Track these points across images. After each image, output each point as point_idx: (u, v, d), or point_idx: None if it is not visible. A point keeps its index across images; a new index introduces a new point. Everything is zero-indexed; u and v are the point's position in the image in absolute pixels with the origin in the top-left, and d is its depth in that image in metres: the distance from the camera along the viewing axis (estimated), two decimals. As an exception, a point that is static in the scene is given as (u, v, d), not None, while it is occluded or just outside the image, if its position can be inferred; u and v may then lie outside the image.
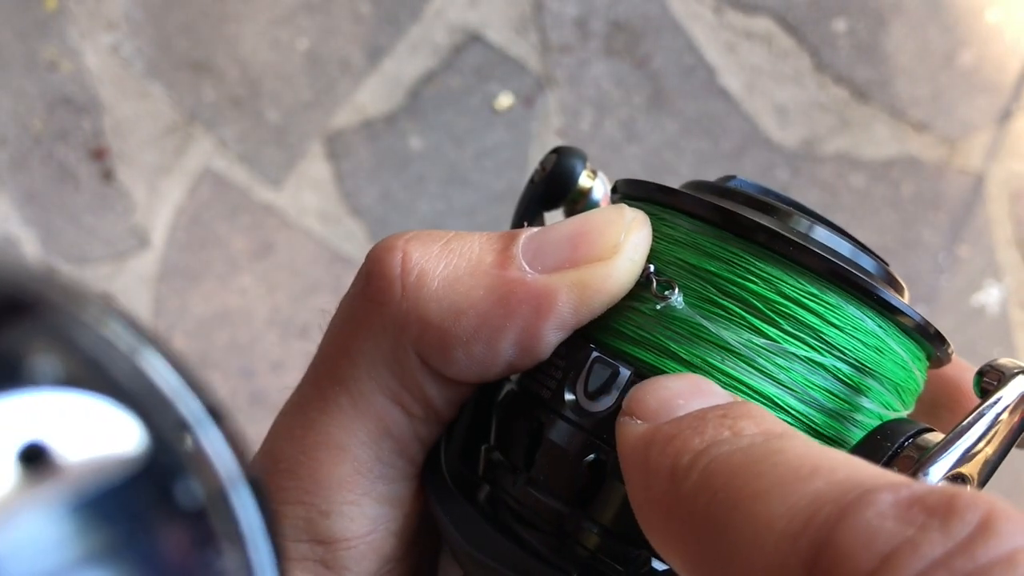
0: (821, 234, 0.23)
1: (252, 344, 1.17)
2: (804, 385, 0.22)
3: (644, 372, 0.22)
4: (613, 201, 0.27)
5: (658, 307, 0.23)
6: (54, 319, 0.14)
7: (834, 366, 0.22)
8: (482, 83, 1.22)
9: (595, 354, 0.23)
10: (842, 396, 0.23)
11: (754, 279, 0.22)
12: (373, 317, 0.23)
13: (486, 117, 1.21)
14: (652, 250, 0.23)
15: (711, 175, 0.27)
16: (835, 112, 1.21)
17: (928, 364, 0.24)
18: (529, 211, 0.29)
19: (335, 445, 0.23)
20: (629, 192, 0.25)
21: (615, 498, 0.22)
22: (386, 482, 0.24)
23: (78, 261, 1.21)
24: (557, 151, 0.28)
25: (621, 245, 0.23)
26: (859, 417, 0.23)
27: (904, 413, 0.24)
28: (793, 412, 0.22)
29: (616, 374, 0.22)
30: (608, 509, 0.23)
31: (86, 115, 1.24)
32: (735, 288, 0.22)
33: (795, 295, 0.22)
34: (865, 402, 0.23)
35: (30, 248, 1.21)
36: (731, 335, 0.22)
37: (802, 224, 0.24)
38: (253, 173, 1.21)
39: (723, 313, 0.22)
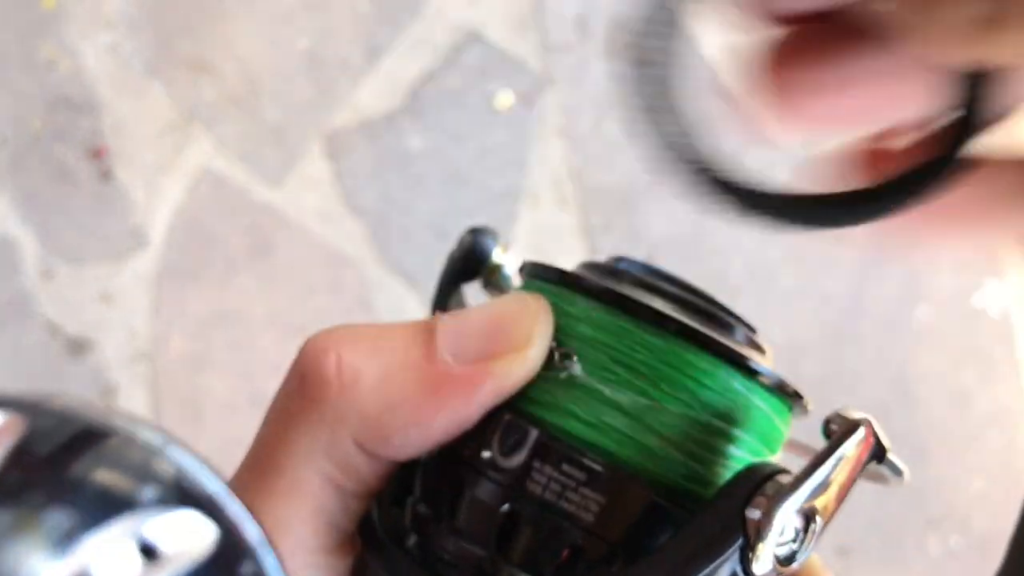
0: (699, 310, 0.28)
1: (252, 344, 1.17)
2: (683, 437, 0.27)
3: (547, 431, 0.26)
4: (522, 279, 0.31)
5: (561, 375, 0.27)
6: (140, 449, 0.20)
7: (707, 421, 0.27)
8: (482, 83, 1.22)
9: (507, 417, 0.27)
10: (716, 445, 0.27)
11: (640, 350, 0.26)
12: (310, 413, 0.26)
13: (486, 117, 1.21)
14: (556, 325, 0.27)
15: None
16: (836, 112, 1.20)
17: (790, 414, 0.29)
18: (449, 285, 0.34)
19: (276, 525, 0.26)
20: (536, 273, 0.30)
21: (529, 542, 0.26)
22: (324, 552, 0.27)
23: (77, 260, 1.21)
24: (472, 231, 0.33)
25: (532, 336, 0.26)
26: (731, 462, 0.27)
27: (771, 458, 0.29)
28: (673, 461, 0.26)
29: (526, 433, 0.26)
30: (523, 552, 0.26)
31: (85, 114, 1.23)
32: (625, 357, 0.27)
33: (674, 362, 0.27)
34: (735, 450, 0.27)
35: (29, 247, 1.21)
36: (622, 397, 0.26)
37: (689, 303, 0.28)
38: (253, 173, 1.21)
39: (615, 378, 0.26)
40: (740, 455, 0.27)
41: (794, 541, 0.25)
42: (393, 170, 1.20)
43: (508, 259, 0.34)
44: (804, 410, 0.29)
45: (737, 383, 0.27)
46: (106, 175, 1.22)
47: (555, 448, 0.26)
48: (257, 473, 0.27)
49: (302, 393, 0.26)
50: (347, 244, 1.19)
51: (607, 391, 0.26)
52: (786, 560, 0.25)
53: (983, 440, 1.15)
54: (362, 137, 1.21)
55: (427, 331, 0.26)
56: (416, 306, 1.16)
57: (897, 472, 0.28)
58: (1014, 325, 1.18)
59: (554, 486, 0.26)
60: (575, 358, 0.27)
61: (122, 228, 1.21)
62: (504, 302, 0.27)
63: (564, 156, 1.20)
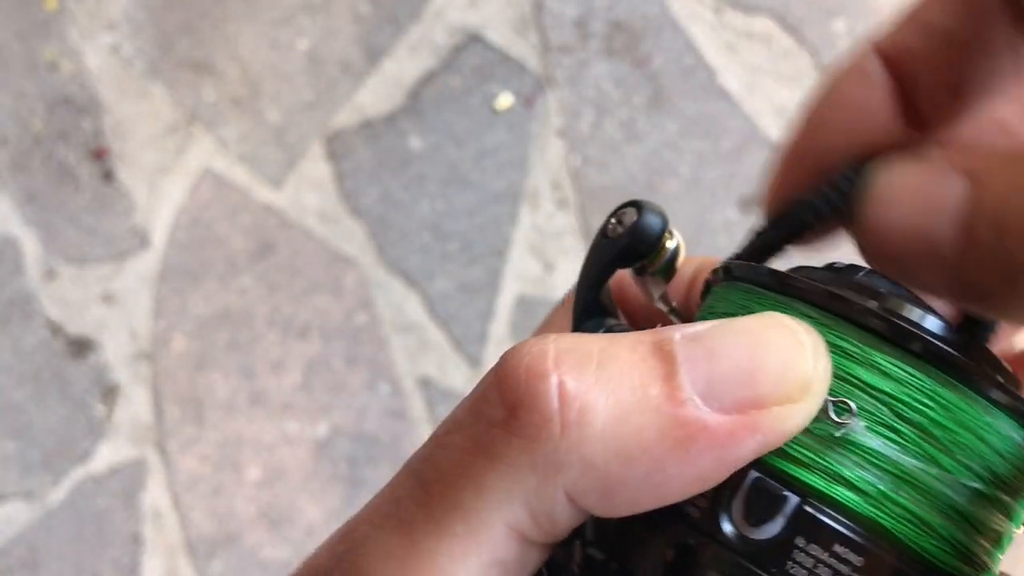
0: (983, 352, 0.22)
1: (252, 344, 1.17)
2: (970, 515, 0.21)
3: (811, 499, 0.21)
4: (719, 284, 0.24)
5: (836, 433, 0.21)
6: None
7: (996, 496, 0.21)
8: (482, 83, 1.22)
9: (755, 475, 0.21)
10: (995, 521, 0.22)
11: (933, 405, 0.21)
12: (519, 454, 0.20)
13: (486, 117, 1.21)
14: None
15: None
16: (835, 112, 1.21)
17: None
18: (606, 269, 0.27)
19: (440, 572, 0.21)
20: (769, 284, 0.23)
21: None
22: None
23: (78, 261, 1.21)
24: (636, 205, 0.26)
25: (810, 384, 0.20)
26: (1005, 537, 0.22)
27: None
28: (954, 543, 0.21)
29: (784, 500, 0.21)
30: None
31: (86, 115, 1.24)
32: (913, 413, 0.21)
33: (972, 424, 0.21)
34: (1010, 526, 0.22)
35: (30, 248, 1.21)
36: (907, 463, 0.21)
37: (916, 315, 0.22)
38: (253, 173, 1.21)
39: (898, 439, 0.21)
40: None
41: None
42: (393, 170, 1.20)
43: (674, 244, 0.27)
44: None
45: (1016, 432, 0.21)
46: (107, 176, 1.22)
47: (822, 523, 0.20)
48: (427, 507, 0.21)
49: (510, 428, 0.21)
50: (347, 244, 1.19)
51: (888, 454, 0.21)
52: None
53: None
54: (362, 138, 1.21)
55: (664, 357, 0.21)
56: (416, 306, 1.16)
57: None
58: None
59: (823, 571, 0.20)
60: (854, 410, 0.21)
61: (123, 228, 1.21)
62: (765, 330, 0.21)
63: (564, 156, 1.20)
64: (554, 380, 0.20)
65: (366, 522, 0.22)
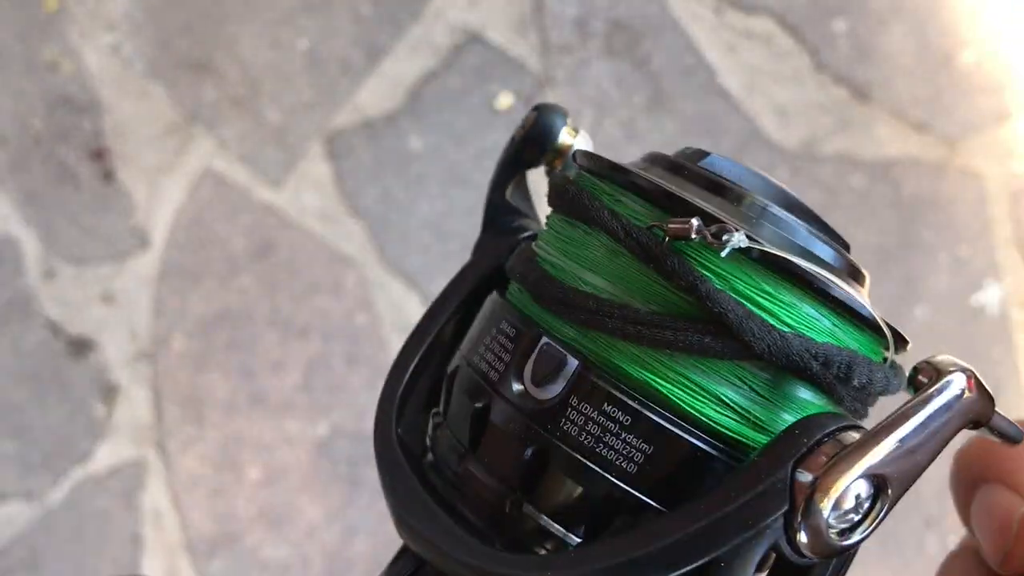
0: (777, 218, 0.23)
1: (252, 344, 1.17)
2: (749, 380, 0.22)
3: (590, 363, 0.22)
4: (574, 168, 0.25)
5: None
6: None
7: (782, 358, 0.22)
8: (482, 83, 1.22)
9: (545, 341, 0.23)
10: (784, 388, 0.22)
11: (709, 275, 0.21)
12: None
13: (486, 117, 1.21)
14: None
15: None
16: (835, 112, 1.21)
17: (886, 355, 0.24)
18: (510, 168, 0.28)
19: None
20: (593, 169, 0.25)
21: (555, 485, 0.22)
22: None
23: (78, 261, 1.21)
24: (537, 108, 0.27)
25: None
26: (800, 410, 0.23)
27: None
28: (735, 406, 0.22)
29: (564, 362, 0.22)
30: (547, 495, 0.23)
31: (86, 115, 1.24)
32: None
33: (748, 292, 0.22)
34: (808, 395, 0.23)
35: (30, 248, 1.21)
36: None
37: (754, 209, 0.23)
38: (253, 173, 1.21)
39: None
40: (814, 403, 0.23)
41: (856, 512, 0.21)
42: (393, 170, 1.20)
43: (579, 141, 0.28)
44: (903, 349, 0.24)
45: (826, 321, 0.22)
46: (108, 176, 1.22)
47: (595, 385, 0.22)
48: None
49: None
50: (347, 244, 1.19)
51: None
52: (842, 534, 0.21)
53: (982, 440, 1.15)
54: (362, 138, 1.21)
55: None
56: (416, 306, 1.16)
57: (1009, 435, 0.23)
58: (1013, 325, 1.18)
59: (592, 428, 0.22)
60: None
61: (123, 228, 1.21)
62: None
63: (564, 156, 1.20)
64: None
65: None
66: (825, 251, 0.23)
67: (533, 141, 0.27)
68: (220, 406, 1.16)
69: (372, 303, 1.18)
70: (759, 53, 1.22)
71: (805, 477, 0.20)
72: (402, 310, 1.16)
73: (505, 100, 1.21)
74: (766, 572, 0.23)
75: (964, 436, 0.23)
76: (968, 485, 0.23)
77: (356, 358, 1.16)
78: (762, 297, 0.21)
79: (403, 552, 0.25)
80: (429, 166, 1.20)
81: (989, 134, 1.21)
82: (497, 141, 1.20)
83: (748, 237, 0.21)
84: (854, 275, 0.24)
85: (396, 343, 1.16)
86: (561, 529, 0.23)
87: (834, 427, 0.21)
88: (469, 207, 1.18)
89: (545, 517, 0.23)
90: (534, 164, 0.28)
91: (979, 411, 0.22)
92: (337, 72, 1.23)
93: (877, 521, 0.21)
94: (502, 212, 0.29)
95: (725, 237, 0.21)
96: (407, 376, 0.26)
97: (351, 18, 1.24)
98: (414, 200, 1.19)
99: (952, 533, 1.12)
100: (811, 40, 1.22)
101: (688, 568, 0.21)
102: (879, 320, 0.23)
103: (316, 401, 1.15)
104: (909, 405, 0.21)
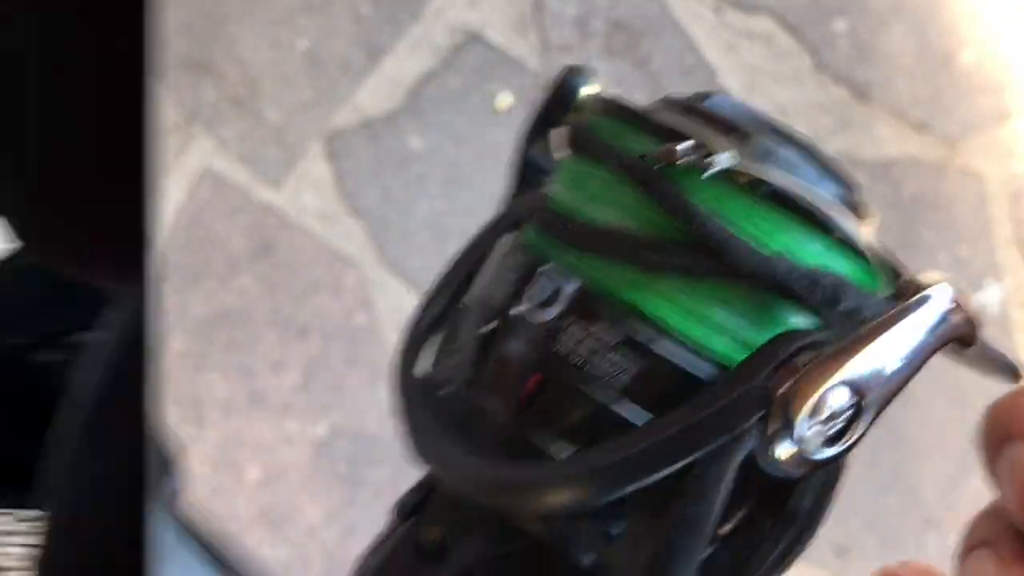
0: (781, 159, 0.24)
1: (251, 344, 1.17)
2: (737, 303, 0.23)
3: (585, 286, 0.24)
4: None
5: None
6: None
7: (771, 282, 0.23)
8: (482, 83, 1.22)
9: (548, 266, 0.24)
10: (775, 311, 0.23)
11: (697, 201, 0.23)
12: None
13: (486, 117, 1.21)
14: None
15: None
16: (835, 112, 1.21)
17: (882, 289, 0.24)
18: (536, 129, 0.29)
19: None
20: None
21: (554, 405, 0.24)
22: None
23: (78, 261, 1.21)
24: (567, 68, 0.29)
25: None
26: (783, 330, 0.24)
27: None
28: (723, 327, 0.23)
29: (563, 287, 0.24)
30: (548, 415, 0.24)
31: (86, 115, 1.24)
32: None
33: (734, 216, 0.23)
34: (798, 319, 0.23)
35: (30, 248, 1.21)
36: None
37: (761, 146, 0.24)
38: (253, 173, 1.21)
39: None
40: (803, 327, 0.23)
41: (832, 425, 0.21)
42: (393, 170, 1.20)
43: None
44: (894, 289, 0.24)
45: (811, 242, 0.23)
46: (107, 175, 1.22)
47: (591, 305, 0.23)
48: None
49: None
50: (347, 244, 1.19)
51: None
52: (819, 447, 0.21)
53: (982, 440, 1.15)
54: (362, 137, 1.21)
55: None
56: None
57: (1005, 369, 0.23)
58: (1013, 325, 1.18)
59: (583, 349, 0.23)
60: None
61: (123, 228, 1.21)
62: None
63: (564, 156, 1.20)
64: None
65: None
66: (825, 185, 0.24)
67: (557, 101, 0.29)
68: (219, 406, 1.16)
69: (372, 303, 1.18)
70: (759, 53, 1.22)
71: (781, 384, 0.21)
72: (402, 310, 1.16)
73: (505, 100, 1.21)
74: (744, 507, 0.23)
75: (983, 396, 0.23)
76: (996, 442, 0.23)
77: (356, 358, 1.16)
78: (749, 221, 0.22)
79: (418, 486, 0.27)
80: (429, 166, 1.20)
81: (989, 134, 1.21)
82: (497, 141, 1.20)
83: (733, 159, 0.22)
84: (854, 208, 0.24)
85: (396, 343, 1.16)
86: (567, 447, 0.24)
87: (812, 339, 0.22)
88: (469, 207, 1.18)
89: (546, 437, 0.24)
90: (558, 124, 0.29)
91: (963, 329, 0.22)
92: (337, 72, 1.23)
93: (855, 437, 0.21)
94: (529, 170, 0.32)
95: (708, 160, 0.22)
96: (432, 315, 0.29)
97: (351, 18, 1.24)
98: (414, 200, 1.19)
99: (953, 533, 1.12)
100: (811, 40, 1.22)
101: (665, 472, 0.21)
102: (870, 250, 0.23)
103: (315, 401, 1.15)
104: (888, 315, 0.21)
